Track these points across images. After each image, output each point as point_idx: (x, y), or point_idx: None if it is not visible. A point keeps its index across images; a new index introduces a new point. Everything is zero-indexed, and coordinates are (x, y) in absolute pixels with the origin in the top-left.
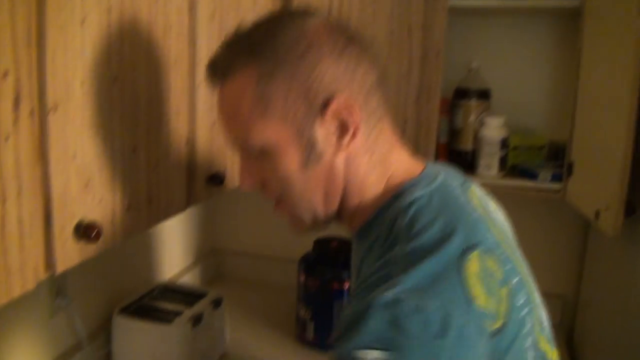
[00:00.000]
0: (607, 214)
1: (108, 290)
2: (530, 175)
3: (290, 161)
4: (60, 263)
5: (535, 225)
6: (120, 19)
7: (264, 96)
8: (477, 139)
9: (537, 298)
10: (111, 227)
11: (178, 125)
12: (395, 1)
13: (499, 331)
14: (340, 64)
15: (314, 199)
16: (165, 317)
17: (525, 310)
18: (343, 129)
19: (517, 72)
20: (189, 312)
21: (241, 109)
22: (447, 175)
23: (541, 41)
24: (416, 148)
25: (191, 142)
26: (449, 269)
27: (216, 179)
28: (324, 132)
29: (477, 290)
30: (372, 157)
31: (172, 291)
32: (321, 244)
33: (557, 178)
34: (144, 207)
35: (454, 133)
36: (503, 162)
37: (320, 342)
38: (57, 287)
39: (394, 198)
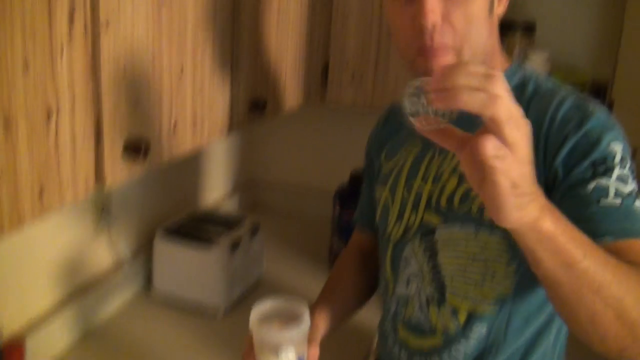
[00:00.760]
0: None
1: (150, 212)
2: None
3: (482, 6)
4: (110, 177)
5: None
6: None
7: None
8: None
9: None
10: (158, 146)
11: (223, 49)
12: None
13: None
14: None
15: (479, 46)
16: (204, 241)
17: None
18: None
19: (563, 6)
20: (227, 237)
21: None
22: None
23: None
24: None
25: (235, 67)
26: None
27: (258, 106)
28: None
29: None
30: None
31: (211, 217)
32: (357, 177)
33: None
34: (189, 128)
35: None
36: None
37: None
38: (102, 205)
39: (513, 70)
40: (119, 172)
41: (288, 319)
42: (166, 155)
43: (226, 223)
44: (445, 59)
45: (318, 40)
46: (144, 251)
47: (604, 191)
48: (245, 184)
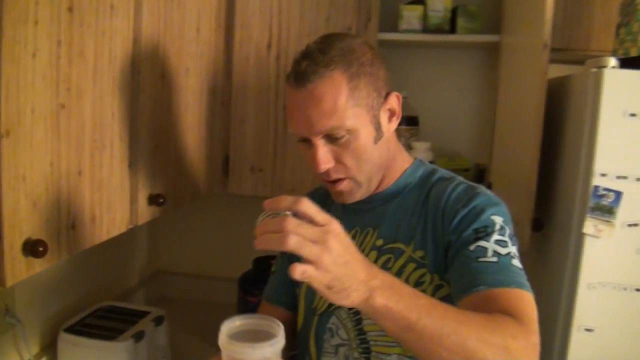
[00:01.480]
0: (517, 229)
1: (54, 311)
2: None
3: (367, 139)
4: (10, 277)
5: None
6: (68, 51)
7: (355, 90)
8: None
9: None
10: (57, 244)
11: (121, 149)
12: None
13: None
14: (385, 68)
15: (374, 169)
16: (108, 335)
17: None
18: (391, 114)
19: (443, 100)
20: (131, 330)
21: (339, 100)
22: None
23: (465, 72)
24: None
25: (134, 165)
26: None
27: (157, 201)
28: (384, 117)
29: None
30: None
31: (115, 311)
32: (260, 262)
33: None
34: (87, 226)
35: None
36: None
37: None
38: (6, 305)
39: (416, 166)
40: (19, 272)
41: (258, 338)
42: (65, 253)
43: (129, 316)
44: (343, 184)
45: (218, 137)
46: (50, 350)
47: (483, 251)
48: (151, 276)
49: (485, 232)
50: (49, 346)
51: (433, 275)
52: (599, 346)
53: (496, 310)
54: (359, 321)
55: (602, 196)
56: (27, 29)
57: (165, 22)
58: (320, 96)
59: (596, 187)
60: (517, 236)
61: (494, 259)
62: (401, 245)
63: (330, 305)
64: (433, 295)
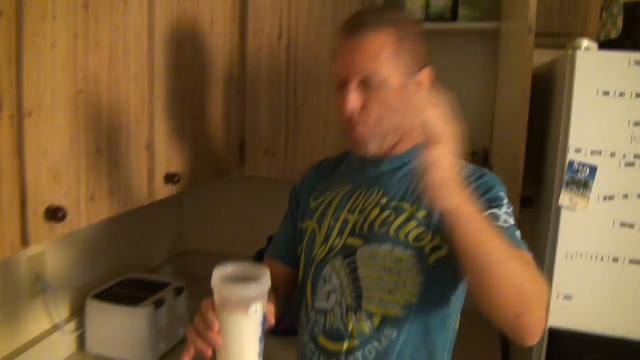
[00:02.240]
0: None
1: (83, 281)
2: None
3: (397, 93)
4: (33, 239)
5: None
6: (85, 43)
7: (398, 51)
8: None
9: None
10: (77, 213)
11: (137, 132)
12: (336, 26)
13: None
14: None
15: (392, 127)
16: (131, 302)
17: None
18: (419, 86)
19: (446, 87)
20: (153, 298)
21: (383, 52)
22: None
23: (468, 59)
24: None
25: (150, 146)
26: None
27: (173, 178)
28: (414, 86)
29: None
30: None
31: (139, 282)
32: None
33: None
34: (106, 198)
35: None
36: None
37: (274, 329)
38: (37, 272)
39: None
40: (41, 235)
41: (248, 281)
42: (85, 221)
43: (153, 286)
44: (360, 131)
45: (235, 123)
46: (79, 315)
47: (496, 217)
48: (178, 254)
49: (497, 203)
50: (79, 311)
51: (434, 236)
52: (577, 312)
53: None
54: (354, 269)
55: (577, 171)
56: (46, 23)
57: (178, 15)
58: (368, 44)
59: (571, 162)
60: None
61: (505, 225)
62: (405, 205)
63: (327, 254)
64: (430, 255)
